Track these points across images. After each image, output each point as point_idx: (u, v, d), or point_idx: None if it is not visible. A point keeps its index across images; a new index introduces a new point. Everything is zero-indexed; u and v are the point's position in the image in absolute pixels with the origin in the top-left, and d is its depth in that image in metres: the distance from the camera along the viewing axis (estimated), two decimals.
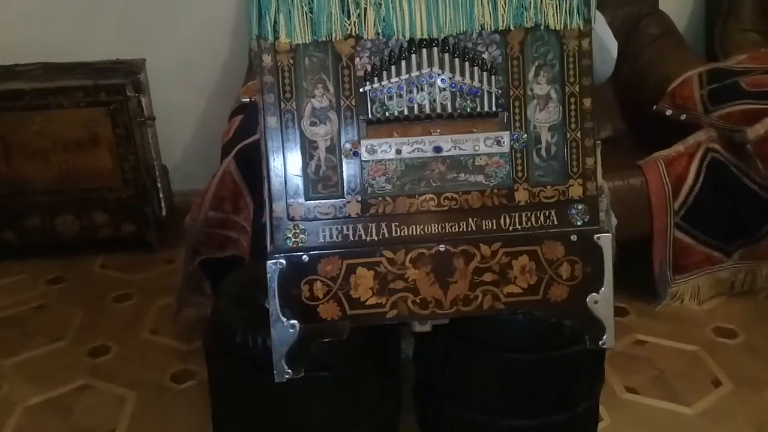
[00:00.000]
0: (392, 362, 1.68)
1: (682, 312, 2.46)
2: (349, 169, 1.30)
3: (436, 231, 1.33)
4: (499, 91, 1.32)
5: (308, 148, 1.29)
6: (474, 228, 1.33)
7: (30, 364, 2.27)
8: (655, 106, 2.55)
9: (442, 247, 1.32)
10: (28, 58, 2.87)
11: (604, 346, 1.44)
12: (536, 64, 1.32)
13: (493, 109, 1.32)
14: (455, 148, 1.32)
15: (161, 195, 3.15)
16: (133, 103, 2.92)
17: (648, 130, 2.82)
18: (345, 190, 1.30)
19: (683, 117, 2.58)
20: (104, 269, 2.89)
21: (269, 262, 1.29)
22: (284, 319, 1.32)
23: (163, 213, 3.01)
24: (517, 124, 1.33)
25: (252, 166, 1.87)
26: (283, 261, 1.30)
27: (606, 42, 1.62)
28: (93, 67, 2.90)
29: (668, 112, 2.64)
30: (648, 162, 2.46)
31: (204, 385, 1.89)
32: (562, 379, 1.58)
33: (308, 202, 1.30)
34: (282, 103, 1.28)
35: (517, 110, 1.32)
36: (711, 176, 2.32)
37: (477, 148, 1.32)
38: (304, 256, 1.30)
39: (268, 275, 1.30)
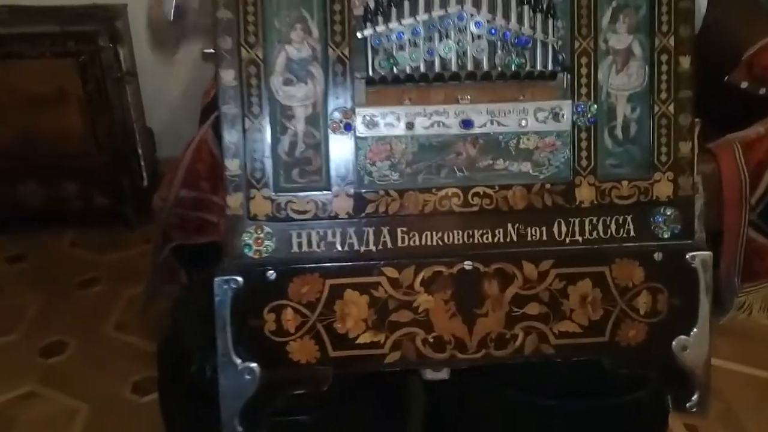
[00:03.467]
0: (397, 394, 1.43)
1: (750, 328, 2.18)
2: (338, 148, 1.06)
3: (461, 241, 1.09)
4: (559, 42, 1.08)
5: (280, 116, 1.05)
6: (515, 238, 1.10)
7: None
8: (726, 77, 2.28)
9: (468, 265, 1.08)
10: None
11: (693, 411, 1.16)
12: (614, 4, 1.07)
13: (549, 67, 1.08)
14: (492, 123, 1.08)
15: (142, 163, 2.91)
16: (108, 54, 2.64)
17: (713, 105, 2.39)
18: (331, 178, 1.06)
19: (762, 91, 2.23)
20: (73, 247, 2.69)
21: (218, 280, 1.04)
22: (238, 361, 1.07)
23: (145, 183, 2.88)
24: (584, 90, 1.08)
25: None
26: (238, 278, 1.05)
27: None
28: (65, 11, 2.72)
29: (744, 85, 2.27)
30: (722, 145, 2.10)
31: None
32: None
33: (278, 194, 1.06)
34: (243, 50, 1.03)
35: (583, 70, 1.08)
36: None
37: (524, 123, 1.08)
38: (270, 272, 1.06)
39: (217, 298, 1.05)
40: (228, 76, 1.03)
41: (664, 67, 1.08)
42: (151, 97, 3.06)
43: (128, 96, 2.83)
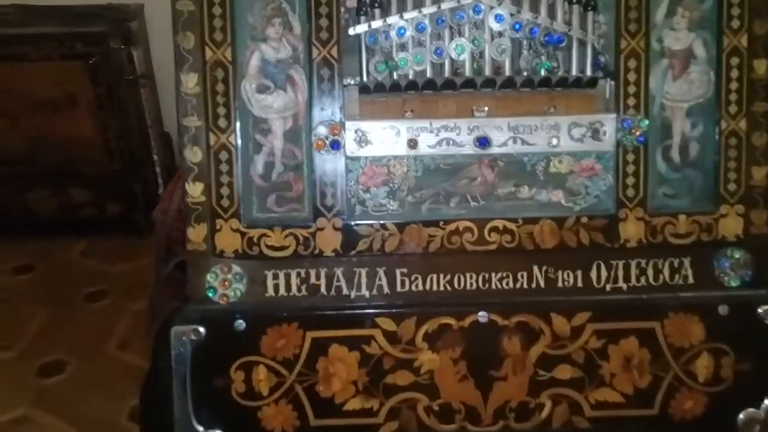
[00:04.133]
0: None
1: None
2: (323, 171, 0.99)
3: (474, 287, 1.01)
4: (601, 41, 1.00)
5: (253, 131, 0.98)
6: (542, 284, 1.01)
7: None
8: None
9: (482, 317, 1.00)
10: None
11: None
12: None
13: (588, 72, 1.01)
14: (515, 142, 0.99)
15: (158, 169, 2.86)
16: (120, 56, 2.55)
17: None
18: (316, 208, 0.99)
19: None
20: (84, 257, 2.64)
21: (176, 330, 0.97)
22: (200, 429, 0.99)
23: (160, 191, 2.83)
24: (631, 101, 0.99)
25: None
26: (200, 328, 0.97)
27: None
28: (74, 11, 2.62)
29: None
30: None
31: None
32: None
33: (250, 227, 0.98)
34: (208, 49, 0.95)
35: (631, 76, 0.99)
36: None
37: (555, 141, 0.99)
38: (239, 322, 0.98)
39: (174, 352, 0.97)
40: (190, 81, 0.94)
41: (735, 73, 0.98)
42: (169, 100, 3.04)
43: (143, 100, 2.74)
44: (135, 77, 2.60)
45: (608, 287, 1.00)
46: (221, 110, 0.94)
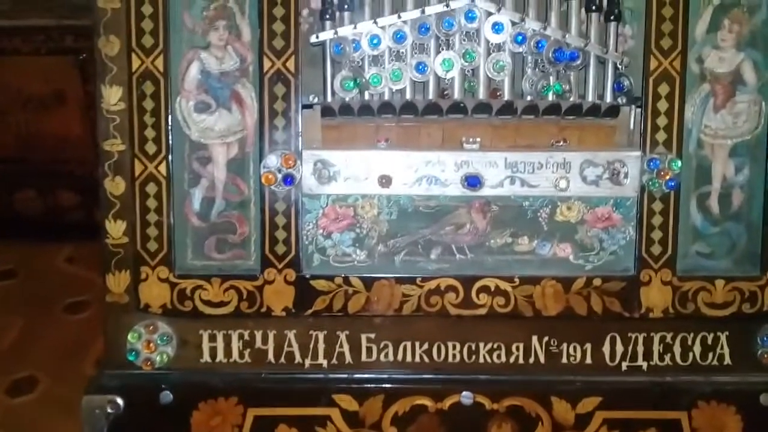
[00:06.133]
0: None
1: None
2: (275, 210, 0.87)
3: (457, 359, 0.90)
4: (626, 60, 0.88)
5: (189, 159, 0.87)
6: (542, 360, 0.90)
7: None
8: None
9: (466, 398, 0.89)
10: None
11: None
12: (715, 1, 0.86)
13: (608, 98, 0.89)
14: (514, 182, 0.88)
15: None
16: None
17: None
18: (263, 255, 0.87)
19: None
20: (69, 264, 2.63)
21: (87, 399, 0.86)
22: None
23: None
24: (661, 136, 0.87)
25: None
26: (118, 400, 0.86)
27: None
28: (65, 2, 2.58)
29: None
30: None
31: None
32: None
33: (182, 276, 0.87)
34: (135, 57, 0.83)
35: (662, 105, 0.87)
36: None
37: (564, 184, 0.88)
38: (166, 393, 0.87)
39: (86, 427, 0.87)
40: (112, 95, 0.82)
41: None
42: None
43: None
44: None
45: (624, 366, 0.89)
46: (150, 132, 0.83)
